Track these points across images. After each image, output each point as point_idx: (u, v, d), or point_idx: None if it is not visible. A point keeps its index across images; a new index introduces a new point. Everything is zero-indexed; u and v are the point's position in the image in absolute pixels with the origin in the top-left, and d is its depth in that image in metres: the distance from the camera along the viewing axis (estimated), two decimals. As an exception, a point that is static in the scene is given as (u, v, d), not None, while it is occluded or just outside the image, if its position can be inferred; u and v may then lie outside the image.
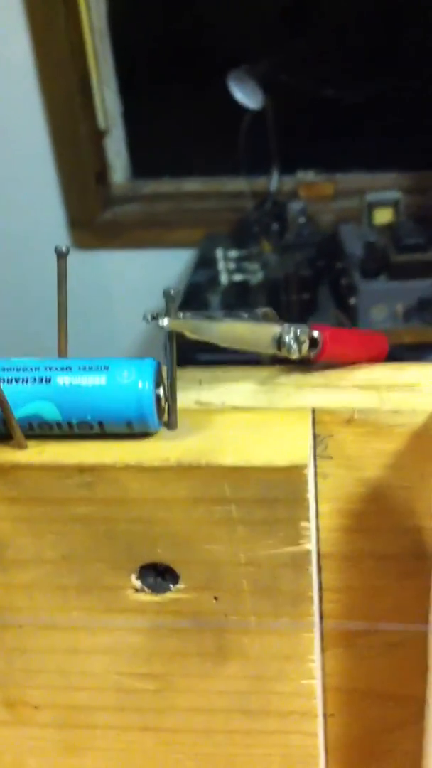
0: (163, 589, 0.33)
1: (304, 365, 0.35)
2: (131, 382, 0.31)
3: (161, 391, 0.32)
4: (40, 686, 0.37)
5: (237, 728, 0.37)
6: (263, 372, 0.35)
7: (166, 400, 0.32)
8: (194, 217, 2.08)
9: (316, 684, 0.35)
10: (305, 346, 0.33)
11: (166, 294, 0.30)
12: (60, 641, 0.35)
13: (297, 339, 0.32)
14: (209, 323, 0.31)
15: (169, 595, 0.34)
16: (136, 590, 0.34)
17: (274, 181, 1.97)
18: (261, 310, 0.33)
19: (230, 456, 0.30)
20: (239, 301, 1.66)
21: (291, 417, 0.32)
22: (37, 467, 0.31)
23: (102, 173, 2.15)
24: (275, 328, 0.32)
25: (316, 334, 0.33)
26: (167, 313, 0.30)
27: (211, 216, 2.09)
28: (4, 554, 0.33)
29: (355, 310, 1.54)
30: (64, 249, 0.33)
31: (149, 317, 0.30)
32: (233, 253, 1.87)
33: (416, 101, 1.90)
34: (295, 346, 0.32)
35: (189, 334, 0.31)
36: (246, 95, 1.86)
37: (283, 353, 0.32)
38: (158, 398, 0.31)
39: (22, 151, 2.06)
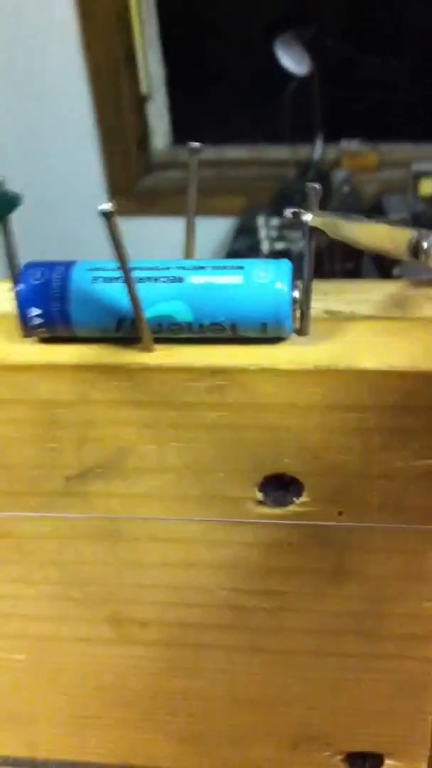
0: (286, 502, 0.33)
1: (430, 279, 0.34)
2: (269, 282, 0.30)
3: (296, 293, 0.31)
4: (151, 602, 0.36)
5: (349, 652, 0.36)
6: (391, 285, 0.34)
7: (301, 304, 0.31)
8: (236, 185, 2.07)
9: (437, 606, 0.34)
10: (443, 253, 0.31)
11: (311, 189, 0.29)
12: (175, 554, 0.34)
13: (435, 245, 0.31)
14: (350, 224, 0.30)
15: (291, 509, 0.33)
16: (259, 502, 0.33)
17: (317, 150, 1.95)
18: (394, 217, 0.32)
19: (370, 360, 0.29)
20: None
21: (428, 325, 0.31)
22: (166, 369, 0.30)
23: (143, 139, 2.14)
24: (413, 233, 0.31)
25: (453, 242, 0.32)
26: (310, 209, 0.29)
27: (253, 184, 2.07)
28: (125, 461, 0.32)
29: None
30: (197, 146, 0.32)
31: (290, 213, 0.29)
32: (275, 221, 1.86)
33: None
34: (432, 252, 0.31)
35: (329, 232, 0.30)
36: (293, 61, 1.84)
37: (421, 259, 0.31)
38: (293, 301, 0.30)
39: (64, 116, 2.05)
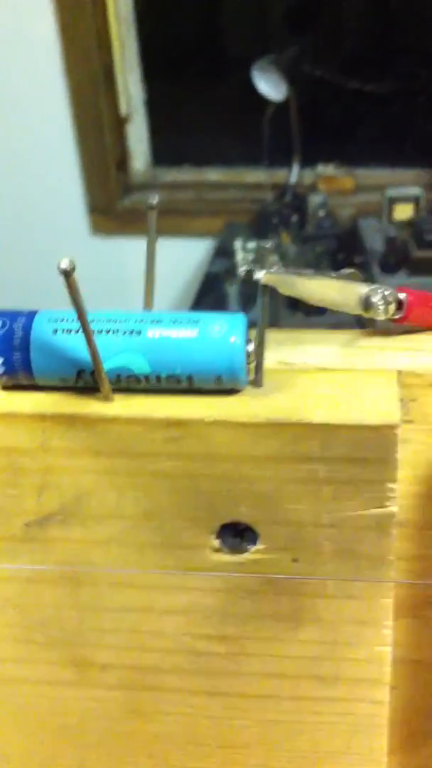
0: (242, 550, 0.33)
1: (385, 329, 0.35)
2: (223, 336, 0.30)
3: (251, 347, 0.31)
4: (110, 646, 0.36)
5: (306, 695, 0.37)
6: (344, 335, 0.35)
7: (255, 356, 0.31)
8: (214, 206, 2.08)
9: (389, 651, 0.35)
10: (392, 307, 0.32)
11: (261, 248, 0.30)
12: (135, 600, 0.35)
13: (385, 299, 0.32)
14: (301, 280, 0.31)
15: (247, 556, 0.33)
16: (215, 550, 0.33)
17: (294, 174, 1.97)
18: (346, 271, 0.33)
19: (320, 413, 0.30)
20: (257, 292, 1.66)
21: (378, 377, 0.32)
22: (124, 420, 0.31)
23: (123, 160, 2.15)
24: (363, 289, 0.32)
25: (402, 296, 0.33)
26: (262, 267, 0.30)
27: (231, 206, 2.09)
28: (84, 508, 0.33)
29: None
30: (154, 202, 0.33)
31: (243, 272, 0.30)
32: (252, 244, 1.87)
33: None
34: (382, 306, 0.32)
35: (281, 289, 0.31)
36: (270, 86, 1.86)
37: (370, 313, 0.32)
38: (247, 354, 0.31)
39: (44, 136, 2.07)
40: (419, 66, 1.89)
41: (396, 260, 1.55)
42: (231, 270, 1.79)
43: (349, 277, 0.33)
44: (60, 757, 0.41)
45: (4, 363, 0.31)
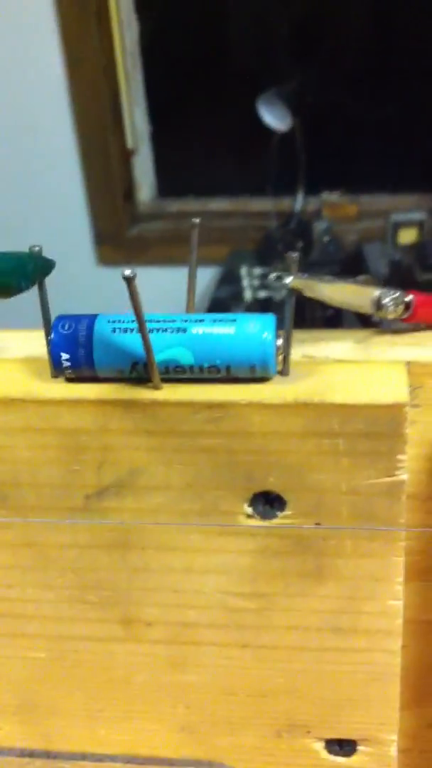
0: (272, 516, 0.39)
1: (394, 328, 0.41)
2: (257, 332, 0.36)
3: (280, 341, 0.37)
4: (155, 604, 0.42)
5: (327, 646, 0.42)
6: (359, 333, 0.41)
7: (283, 350, 0.37)
8: (219, 235, 2.13)
9: (401, 605, 0.40)
10: (401, 308, 0.38)
11: (289, 257, 0.36)
12: (177, 562, 0.41)
13: (394, 301, 0.38)
14: (323, 284, 0.37)
15: (276, 521, 0.39)
16: (248, 516, 0.39)
17: (299, 202, 2.02)
18: (362, 277, 0.39)
19: (339, 395, 0.36)
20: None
21: (389, 366, 0.38)
22: (172, 403, 0.37)
23: (129, 191, 2.21)
24: (375, 292, 0.38)
25: (409, 298, 0.39)
26: (290, 272, 0.36)
27: (236, 234, 2.14)
28: (137, 481, 0.39)
29: (379, 327, 1.59)
30: (197, 221, 0.39)
31: (274, 277, 0.36)
32: (257, 270, 1.92)
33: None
34: (392, 306, 0.38)
35: (306, 292, 0.37)
36: (275, 118, 1.92)
37: (382, 313, 0.38)
38: (277, 348, 0.37)
39: (52, 168, 2.11)
40: (421, 92, 1.95)
41: (401, 283, 1.61)
42: (237, 295, 1.85)
43: (365, 282, 0.39)
44: (106, 710, 0.46)
45: (69, 358, 0.37)
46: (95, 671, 0.45)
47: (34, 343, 0.41)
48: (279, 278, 0.36)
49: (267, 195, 2.02)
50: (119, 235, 2.17)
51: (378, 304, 0.38)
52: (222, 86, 2.13)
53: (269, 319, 0.37)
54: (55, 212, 2.13)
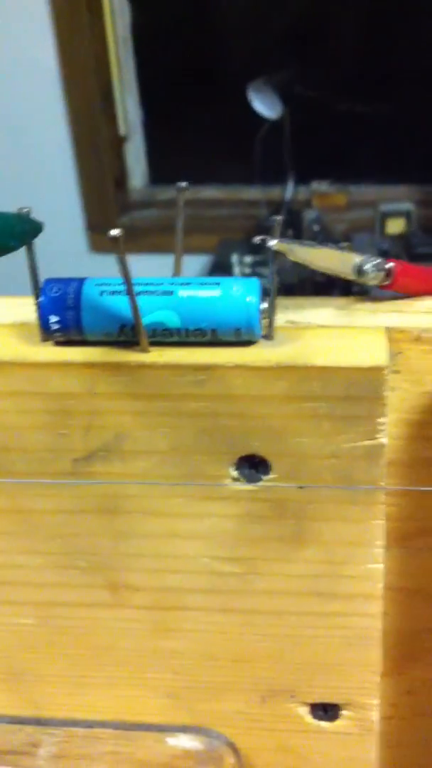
0: (256, 479, 0.39)
1: (374, 296, 0.41)
2: (241, 295, 0.37)
3: (264, 305, 0.38)
4: (141, 569, 0.43)
5: (308, 610, 0.43)
6: (340, 300, 0.41)
7: (268, 314, 0.38)
8: (210, 224, 2.14)
9: (381, 569, 0.41)
10: (382, 274, 0.39)
11: (274, 220, 0.37)
12: (162, 527, 0.41)
13: (375, 266, 0.38)
14: (305, 248, 0.38)
15: (260, 484, 0.40)
16: (233, 479, 0.40)
17: (289, 191, 2.03)
18: (344, 244, 0.39)
19: (321, 358, 0.37)
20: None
21: (369, 332, 0.38)
22: (159, 366, 0.37)
23: (121, 179, 2.21)
24: (357, 258, 0.39)
25: (390, 265, 0.39)
26: (274, 236, 0.37)
27: (227, 223, 2.14)
28: (123, 445, 0.39)
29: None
30: (183, 185, 0.39)
31: (258, 240, 0.37)
32: (248, 259, 1.93)
33: (428, 116, 1.96)
34: (373, 273, 0.38)
35: (289, 256, 0.37)
36: (265, 106, 1.92)
37: (362, 279, 0.39)
38: (261, 312, 0.38)
39: (43, 155, 2.12)
40: (411, 85, 1.96)
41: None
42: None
43: (346, 249, 0.39)
44: (91, 676, 0.47)
45: (59, 321, 0.38)
46: (82, 637, 0.45)
47: (24, 309, 0.41)
48: (263, 241, 0.36)
49: (257, 184, 2.03)
50: (111, 223, 2.17)
51: (359, 270, 0.38)
52: (214, 74, 2.13)
53: (254, 282, 0.37)
54: (46, 199, 2.13)
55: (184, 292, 0.37)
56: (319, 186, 2.06)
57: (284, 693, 0.46)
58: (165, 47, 2.13)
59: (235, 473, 0.39)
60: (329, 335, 0.38)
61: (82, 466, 0.40)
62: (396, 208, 1.88)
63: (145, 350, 0.38)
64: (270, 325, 0.38)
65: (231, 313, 0.37)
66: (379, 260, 0.38)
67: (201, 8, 2.08)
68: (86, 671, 0.47)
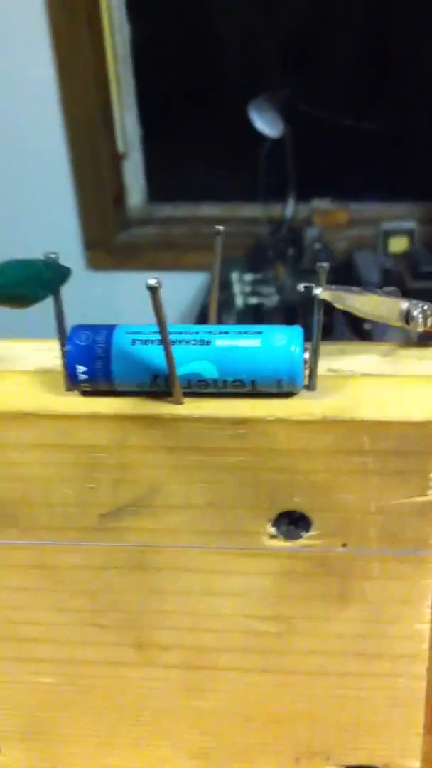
0: (296, 536, 0.37)
1: (420, 342, 0.39)
2: (284, 345, 0.35)
3: (306, 354, 0.36)
4: (172, 627, 0.40)
5: (349, 671, 0.40)
6: (383, 346, 0.39)
7: (310, 363, 0.36)
8: (209, 241, 2.11)
9: (428, 629, 0.39)
10: (430, 320, 0.37)
11: (319, 268, 0.34)
12: (196, 584, 0.39)
13: (423, 313, 0.36)
14: (351, 295, 0.36)
15: (300, 542, 0.37)
16: (271, 536, 0.37)
17: (289, 208, 2.01)
18: (389, 289, 0.37)
19: (369, 411, 0.34)
20: (254, 322, 1.70)
21: (419, 381, 0.36)
22: (195, 419, 0.35)
23: (119, 196, 2.19)
24: (404, 304, 0.36)
25: (437, 310, 0.37)
26: (319, 284, 0.34)
27: (226, 240, 2.11)
28: (155, 500, 0.37)
29: (370, 335, 1.59)
30: (221, 229, 0.37)
31: (302, 287, 0.35)
32: (248, 277, 1.91)
33: (430, 133, 1.95)
34: (421, 319, 0.36)
35: (335, 304, 0.35)
36: (266, 124, 1.91)
37: (410, 326, 0.36)
38: (304, 361, 0.35)
39: (42, 172, 2.10)
40: (412, 102, 1.94)
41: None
42: (228, 302, 1.84)
43: (392, 294, 0.37)
44: (117, 736, 0.44)
45: (86, 371, 0.35)
46: (106, 697, 0.43)
47: (47, 354, 0.39)
48: (307, 289, 0.34)
49: (258, 201, 2.01)
50: (109, 240, 2.15)
51: (407, 317, 0.36)
52: (213, 91, 2.12)
53: (296, 331, 0.35)
54: (45, 216, 2.11)
55: (221, 342, 0.35)
56: (320, 203, 2.04)
57: (320, 755, 0.43)
58: (164, 64, 2.11)
59: (272, 530, 0.37)
60: (375, 385, 0.36)
61: (110, 521, 0.38)
62: (399, 227, 1.86)
63: (179, 402, 0.35)
64: (312, 375, 0.36)
65: (273, 364, 0.35)
66: (427, 305, 0.36)
67: (200, 25, 2.07)
68: (110, 731, 0.44)
